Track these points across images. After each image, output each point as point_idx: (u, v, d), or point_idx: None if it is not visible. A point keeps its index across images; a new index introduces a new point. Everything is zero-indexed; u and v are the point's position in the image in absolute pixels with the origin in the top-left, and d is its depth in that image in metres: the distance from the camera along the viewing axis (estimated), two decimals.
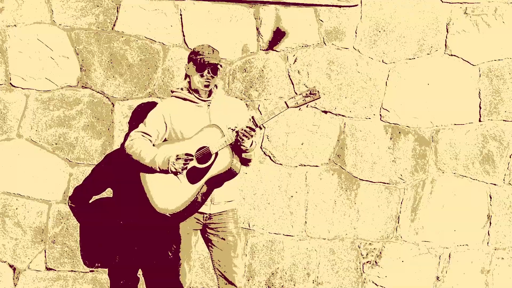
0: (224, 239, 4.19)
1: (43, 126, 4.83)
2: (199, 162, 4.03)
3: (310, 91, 4.01)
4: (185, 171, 4.04)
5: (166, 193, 4.06)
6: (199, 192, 4.01)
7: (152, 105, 4.63)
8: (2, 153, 4.80)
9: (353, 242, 5.09)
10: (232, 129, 3.98)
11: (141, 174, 4.13)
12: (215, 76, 4.15)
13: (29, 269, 4.87)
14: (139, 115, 4.81)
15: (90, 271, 4.90)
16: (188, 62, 4.19)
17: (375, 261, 5.10)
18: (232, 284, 4.19)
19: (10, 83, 4.81)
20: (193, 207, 4.03)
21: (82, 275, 4.90)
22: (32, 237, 4.85)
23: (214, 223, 4.19)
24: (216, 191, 4.10)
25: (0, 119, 4.80)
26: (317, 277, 5.07)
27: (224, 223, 4.19)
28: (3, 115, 4.81)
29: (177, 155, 4.02)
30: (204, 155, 4.02)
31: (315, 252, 5.05)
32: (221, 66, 4.18)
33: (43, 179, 4.84)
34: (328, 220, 5.06)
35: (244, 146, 4.00)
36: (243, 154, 4.09)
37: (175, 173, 4.04)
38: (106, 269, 4.91)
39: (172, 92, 4.24)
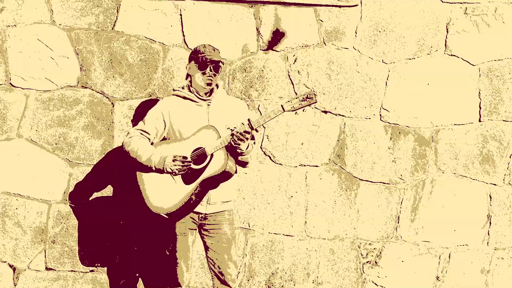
0: (218, 242, 4.19)
1: (43, 126, 4.83)
2: (194, 163, 4.03)
3: (307, 95, 4.01)
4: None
5: (161, 193, 4.06)
6: (193, 193, 4.02)
7: (155, 103, 4.62)
8: (2, 153, 4.81)
9: (353, 242, 5.09)
10: (231, 130, 3.98)
11: (138, 173, 4.13)
12: (217, 74, 4.16)
13: (29, 269, 4.87)
14: (142, 113, 4.81)
15: (90, 271, 4.90)
16: (190, 62, 4.20)
17: (375, 261, 5.10)
18: (226, 284, 4.20)
19: (10, 83, 4.81)
20: (187, 207, 4.03)
21: (82, 275, 4.90)
22: (32, 237, 4.85)
23: (209, 224, 4.19)
24: (212, 191, 4.10)
25: (0, 119, 4.81)
26: (317, 277, 5.07)
27: (219, 225, 4.19)
28: (3, 115, 4.81)
29: (174, 157, 4.02)
30: (200, 156, 4.02)
31: (315, 252, 5.05)
32: (223, 63, 4.19)
33: (43, 179, 4.84)
34: (328, 220, 5.05)
35: (240, 149, 4.00)
36: (239, 157, 4.09)
37: (171, 173, 4.05)
38: (106, 269, 4.91)
39: (174, 90, 4.25)
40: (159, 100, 4.79)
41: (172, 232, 4.17)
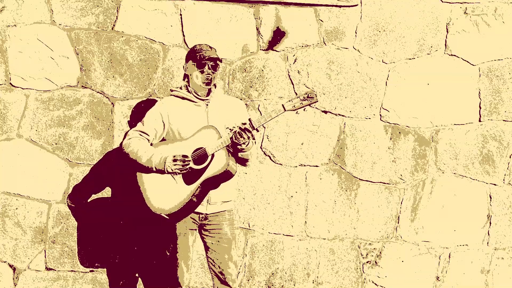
0: (218, 241, 4.19)
1: (43, 126, 4.83)
2: (195, 163, 4.03)
3: (308, 94, 4.00)
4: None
5: (162, 194, 4.06)
6: (194, 193, 4.02)
7: (152, 103, 4.62)
8: (2, 153, 4.81)
9: (353, 242, 5.09)
10: (230, 129, 3.98)
11: (138, 174, 4.13)
12: (215, 72, 4.15)
13: (29, 269, 4.87)
14: (139, 113, 4.82)
15: (90, 271, 4.90)
16: (187, 62, 4.19)
17: (375, 261, 5.10)
18: (226, 284, 4.19)
19: (10, 83, 4.81)
20: (188, 208, 4.03)
21: (82, 275, 4.90)
22: (32, 237, 4.85)
23: (210, 224, 4.19)
24: (212, 192, 4.10)
25: (0, 119, 4.81)
26: (317, 277, 5.07)
27: (219, 225, 4.19)
28: (3, 115, 4.81)
29: (174, 156, 4.02)
30: (200, 156, 4.02)
31: (315, 252, 5.06)
32: (220, 61, 4.16)
33: (43, 179, 4.84)
34: (328, 220, 5.06)
35: (240, 146, 4.00)
36: (239, 153, 4.08)
37: (172, 173, 4.04)
38: (105, 269, 4.91)
39: (172, 91, 4.24)
40: (154, 100, 4.79)
41: (172, 232, 4.17)
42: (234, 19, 4.94)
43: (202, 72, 4.12)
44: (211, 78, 4.13)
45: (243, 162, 4.17)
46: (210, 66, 4.11)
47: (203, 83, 4.13)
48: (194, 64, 4.14)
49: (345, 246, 5.08)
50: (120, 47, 4.86)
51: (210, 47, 4.17)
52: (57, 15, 4.83)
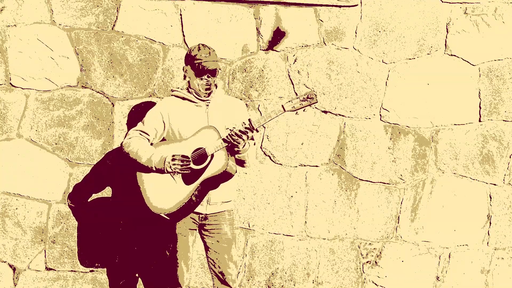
0: (218, 241, 4.19)
1: (43, 126, 4.83)
2: (195, 163, 4.03)
3: (308, 95, 4.01)
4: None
5: (161, 193, 4.06)
6: (193, 193, 4.02)
7: (150, 105, 4.62)
8: (2, 153, 4.81)
9: (353, 242, 5.09)
10: (230, 130, 3.98)
11: (138, 173, 4.13)
12: (215, 77, 4.15)
13: (29, 269, 4.87)
14: (137, 115, 4.82)
15: (90, 271, 4.90)
16: (186, 64, 4.17)
17: (375, 261, 5.10)
18: (226, 284, 4.20)
19: (10, 83, 4.81)
20: (188, 208, 4.03)
21: (82, 275, 4.90)
22: (32, 237, 4.85)
23: (209, 225, 4.19)
24: (212, 192, 4.10)
25: (0, 119, 4.81)
26: (317, 277, 5.07)
27: (219, 225, 4.19)
28: (3, 115, 4.81)
29: (173, 156, 4.02)
30: (200, 156, 4.02)
31: (315, 252, 5.06)
32: (220, 69, 4.17)
33: (43, 179, 4.84)
34: (328, 220, 5.06)
35: (237, 147, 4.01)
36: (236, 155, 4.09)
37: (171, 173, 4.04)
38: (105, 269, 4.91)
39: (172, 91, 4.24)
40: (154, 102, 4.79)
41: (172, 232, 4.17)
42: (234, 19, 4.94)
43: (201, 79, 4.12)
44: (211, 83, 4.13)
45: (240, 163, 4.18)
46: (209, 75, 4.11)
47: (203, 89, 4.13)
48: (194, 72, 4.12)
49: (345, 246, 5.08)
50: (120, 47, 4.86)
51: (210, 53, 4.11)
52: (57, 15, 4.83)
